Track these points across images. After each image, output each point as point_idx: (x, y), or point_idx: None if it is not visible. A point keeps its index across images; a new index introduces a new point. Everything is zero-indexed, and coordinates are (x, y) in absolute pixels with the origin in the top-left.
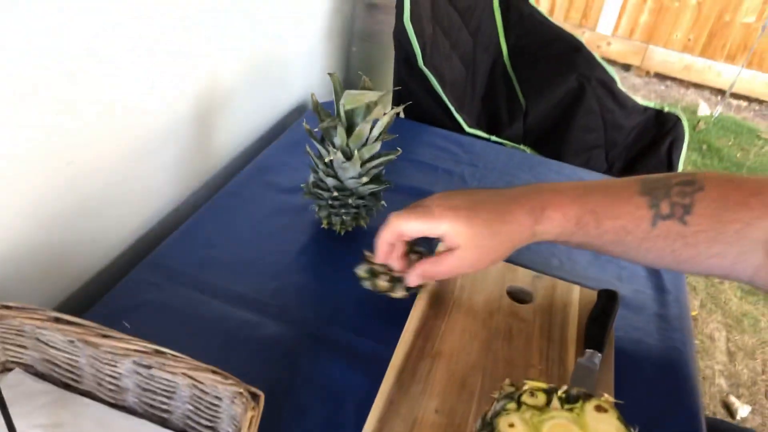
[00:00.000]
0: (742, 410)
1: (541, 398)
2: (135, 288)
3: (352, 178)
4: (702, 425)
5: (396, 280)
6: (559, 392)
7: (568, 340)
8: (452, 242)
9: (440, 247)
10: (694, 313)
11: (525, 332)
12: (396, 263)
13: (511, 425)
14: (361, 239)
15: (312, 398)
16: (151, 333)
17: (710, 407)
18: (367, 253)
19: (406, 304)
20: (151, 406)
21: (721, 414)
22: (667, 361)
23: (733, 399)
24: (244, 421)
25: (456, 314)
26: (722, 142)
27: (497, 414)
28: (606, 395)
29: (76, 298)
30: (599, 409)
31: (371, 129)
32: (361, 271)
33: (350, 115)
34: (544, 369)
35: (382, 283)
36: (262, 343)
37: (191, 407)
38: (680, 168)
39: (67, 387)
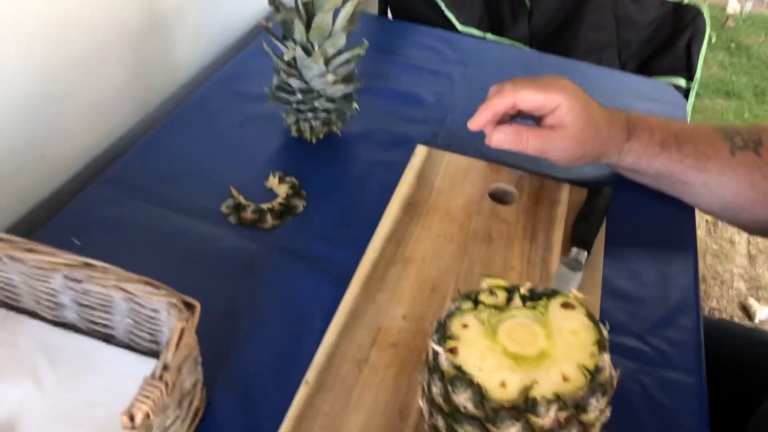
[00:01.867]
0: (761, 313)
1: (501, 297)
2: (91, 205)
3: (318, 77)
4: (700, 325)
5: (262, 212)
6: (522, 290)
7: (553, 241)
8: (561, 119)
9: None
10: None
11: (506, 234)
12: (492, 134)
13: (465, 326)
14: (336, 147)
15: (275, 310)
16: (107, 250)
17: (728, 310)
18: (232, 188)
19: (379, 210)
20: (93, 322)
21: (738, 317)
22: (662, 263)
23: (751, 301)
24: (174, 332)
25: (431, 218)
26: (752, 39)
27: (451, 315)
28: (574, 291)
29: (27, 221)
30: (566, 306)
31: (333, 20)
32: (224, 207)
33: (310, 6)
34: (525, 271)
35: (248, 215)
36: (223, 255)
37: (131, 321)
38: (700, 65)
39: (7, 306)
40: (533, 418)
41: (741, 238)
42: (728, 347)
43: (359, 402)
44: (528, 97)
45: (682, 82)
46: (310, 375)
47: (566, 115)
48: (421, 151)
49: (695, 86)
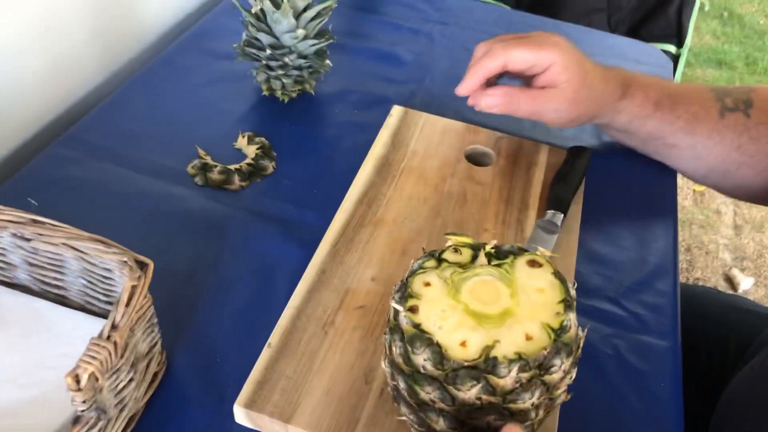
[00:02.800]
0: (745, 282)
1: (466, 255)
2: (49, 165)
3: (288, 32)
4: (677, 290)
5: (230, 172)
6: (487, 247)
7: (529, 203)
8: (555, 78)
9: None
10: (701, 188)
11: (481, 196)
12: (481, 97)
13: (427, 284)
14: (309, 106)
15: (240, 273)
16: (67, 211)
17: (712, 281)
18: (198, 148)
19: (351, 173)
20: (45, 283)
21: (722, 287)
22: (641, 228)
23: (735, 272)
24: (124, 290)
25: (405, 180)
26: (745, 8)
27: (413, 273)
28: (541, 249)
29: None
30: (532, 264)
31: None
32: (190, 167)
33: None
34: (499, 233)
35: (215, 176)
36: (188, 217)
37: (85, 281)
38: (690, 32)
39: None
40: (494, 379)
41: (727, 209)
42: (704, 313)
43: (323, 365)
44: (520, 57)
45: (672, 48)
46: (274, 338)
47: (560, 74)
48: (397, 111)
49: (685, 53)
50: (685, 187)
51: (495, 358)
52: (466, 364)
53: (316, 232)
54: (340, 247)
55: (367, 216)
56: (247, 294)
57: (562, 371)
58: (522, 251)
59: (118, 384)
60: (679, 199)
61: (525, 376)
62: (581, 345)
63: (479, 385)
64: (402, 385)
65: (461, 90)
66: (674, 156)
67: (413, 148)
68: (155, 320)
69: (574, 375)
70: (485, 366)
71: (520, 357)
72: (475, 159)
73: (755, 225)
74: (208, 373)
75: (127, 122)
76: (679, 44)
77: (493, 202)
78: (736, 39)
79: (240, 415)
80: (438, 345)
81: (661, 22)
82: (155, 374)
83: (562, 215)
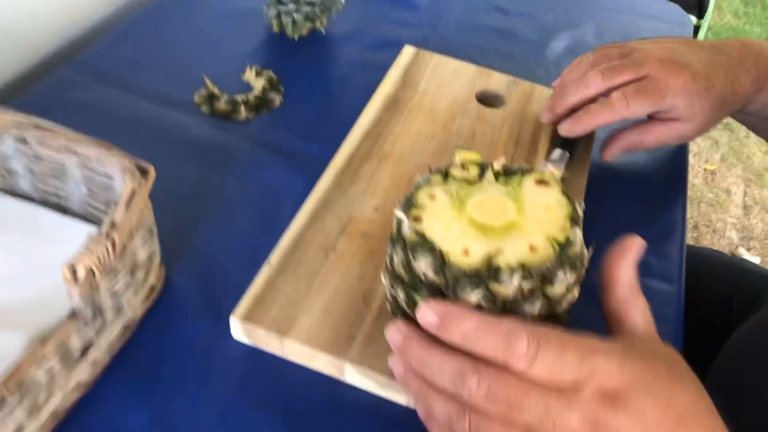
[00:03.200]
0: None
1: (473, 172)
2: (57, 87)
3: None
4: (683, 239)
5: (236, 103)
6: (496, 165)
7: (539, 146)
8: (678, 116)
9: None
10: (713, 167)
11: (490, 137)
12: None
13: (432, 197)
14: (319, 45)
15: (244, 198)
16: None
17: None
18: (206, 77)
19: (359, 110)
20: (46, 192)
21: None
22: (652, 179)
23: (742, 251)
24: (124, 191)
25: (414, 117)
26: None
27: (419, 186)
28: (551, 167)
29: None
30: (540, 182)
31: None
32: (197, 96)
33: None
34: None
35: (222, 106)
36: (194, 144)
37: (86, 190)
38: (711, 4)
39: None
40: (495, 286)
41: (738, 188)
42: (710, 272)
43: (323, 285)
44: (641, 111)
45: (692, 19)
46: (274, 258)
47: (684, 112)
48: (408, 51)
49: (705, 25)
50: (696, 165)
51: (497, 266)
52: (467, 271)
53: (322, 166)
54: (344, 178)
55: (373, 150)
56: (249, 219)
57: (565, 286)
58: (530, 170)
59: (116, 286)
60: (690, 177)
61: (527, 285)
62: (586, 264)
63: (480, 293)
64: (401, 295)
65: (570, 132)
66: None
67: (423, 88)
68: (155, 230)
69: (576, 294)
70: (487, 273)
71: (522, 266)
72: (486, 101)
73: (765, 206)
74: (207, 291)
75: (135, 52)
76: (700, 16)
77: (501, 143)
78: (757, 20)
79: (236, 328)
80: (440, 252)
81: None
82: (153, 287)
83: (568, 154)
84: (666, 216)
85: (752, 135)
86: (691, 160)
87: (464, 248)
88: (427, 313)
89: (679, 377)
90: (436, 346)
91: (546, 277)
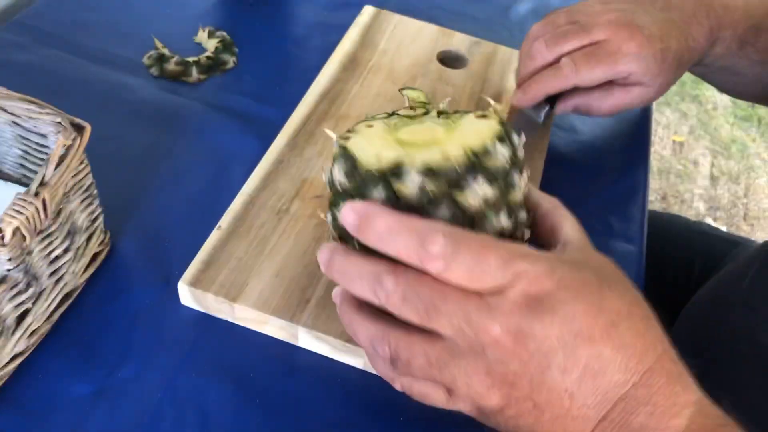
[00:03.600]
0: None
1: (419, 112)
2: None
3: None
4: (646, 201)
5: (187, 64)
6: (441, 105)
7: (501, 105)
8: (635, 82)
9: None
10: (680, 139)
11: (452, 97)
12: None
13: (370, 126)
14: (275, 5)
15: (195, 161)
16: None
17: None
18: (155, 38)
19: (317, 71)
20: None
21: None
22: (615, 139)
23: (709, 221)
24: (56, 149)
25: (372, 77)
26: None
27: (361, 121)
28: (493, 103)
29: None
30: (481, 117)
31: None
32: (146, 58)
33: None
34: None
35: (172, 67)
36: (143, 107)
37: (19, 151)
38: None
39: None
40: (398, 185)
41: (705, 160)
42: (671, 236)
43: (275, 249)
44: (593, 77)
45: None
46: (224, 221)
47: (641, 78)
48: (368, 11)
49: None
50: (664, 137)
51: (401, 166)
52: (373, 171)
53: (277, 128)
54: (299, 139)
55: (329, 111)
56: (200, 183)
57: (482, 199)
58: (476, 111)
59: (52, 252)
60: (658, 148)
61: (432, 188)
62: (521, 191)
63: (383, 193)
64: (330, 218)
65: (520, 102)
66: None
67: (383, 48)
68: (95, 192)
69: (526, 235)
70: (391, 173)
71: (427, 166)
72: (448, 62)
73: (732, 177)
74: (155, 256)
75: (79, 11)
76: None
77: (463, 104)
78: None
79: (185, 294)
80: (353, 158)
81: None
82: (96, 254)
83: (549, 108)
84: (628, 178)
85: (720, 107)
86: (660, 131)
87: (377, 154)
88: (349, 214)
89: (612, 282)
90: (358, 254)
91: (454, 182)
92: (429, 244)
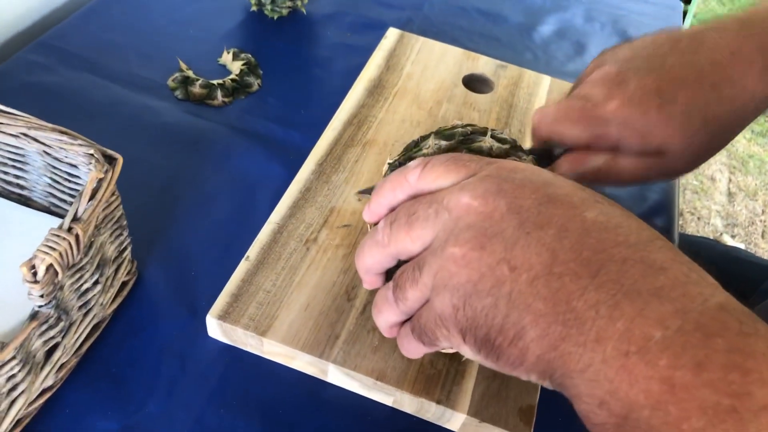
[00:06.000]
0: None
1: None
2: (20, 70)
3: None
4: (675, 225)
5: (212, 87)
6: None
7: (527, 131)
8: (636, 147)
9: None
10: None
11: (478, 123)
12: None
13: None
14: (300, 26)
15: (220, 188)
16: (38, 116)
17: None
18: (180, 60)
19: (341, 94)
20: (7, 182)
21: None
22: None
23: (726, 238)
24: (89, 182)
25: (398, 102)
26: None
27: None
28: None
29: None
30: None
31: None
32: (171, 81)
33: None
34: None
35: (197, 90)
36: (168, 130)
37: (49, 180)
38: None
39: None
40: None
41: (722, 176)
42: (703, 263)
43: (303, 280)
44: (573, 136)
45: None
46: (252, 251)
47: (642, 146)
48: (392, 34)
49: (692, 10)
50: None
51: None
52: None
53: (302, 153)
54: (326, 166)
55: (356, 137)
56: (226, 209)
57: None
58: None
59: (82, 285)
60: None
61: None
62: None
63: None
64: None
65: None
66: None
67: (408, 71)
68: (124, 222)
69: None
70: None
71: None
72: (473, 86)
73: (749, 193)
74: (182, 286)
75: (104, 32)
76: (686, 0)
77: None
78: (742, 7)
79: (213, 327)
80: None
81: None
82: (124, 283)
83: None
84: (656, 198)
85: None
86: None
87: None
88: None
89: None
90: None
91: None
92: (409, 166)
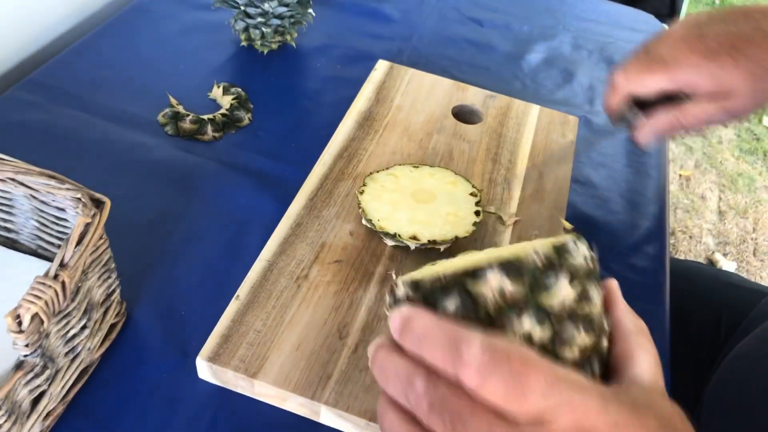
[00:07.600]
0: (727, 267)
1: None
2: (9, 108)
3: None
4: (666, 254)
5: (202, 122)
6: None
7: (518, 162)
8: (707, 91)
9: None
10: (687, 173)
11: (468, 154)
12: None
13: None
14: (290, 59)
15: (210, 225)
16: (25, 156)
17: None
18: (170, 96)
19: (332, 127)
20: None
21: None
22: (632, 192)
23: (718, 256)
24: (76, 227)
25: (388, 135)
26: None
27: None
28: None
29: None
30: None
31: None
32: (161, 116)
33: None
34: (486, 191)
35: (187, 125)
36: (157, 167)
37: (36, 223)
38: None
39: None
40: (476, 287)
41: (713, 194)
42: (696, 288)
43: (294, 319)
44: (651, 85)
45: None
46: (242, 290)
47: (715, 90)
48: (382, 66)
49: None
50: (671, 171)
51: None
52: (448, 277)
53: (292, 187)
54: (317, 200)
55: (347, 170)
56: (216, 247)
57: (563, 302)
58: None
59: (69, 330)
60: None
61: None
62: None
63: (459, 300)
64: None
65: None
66: None
67: (398, 103)
68: (113, 265)
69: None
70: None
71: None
72: (463, 116)
73: (739, 211)
74: (171, 327)
75: (93, 69)
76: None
77: (480, 160)
78: None
79: (203, 369)
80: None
81: (654, 1)
82: (113, 325)
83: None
84: (649, 233)
85: (725, 140)
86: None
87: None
88: (396, 318)
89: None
90: (401, 353)
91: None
92: (462, 349)
